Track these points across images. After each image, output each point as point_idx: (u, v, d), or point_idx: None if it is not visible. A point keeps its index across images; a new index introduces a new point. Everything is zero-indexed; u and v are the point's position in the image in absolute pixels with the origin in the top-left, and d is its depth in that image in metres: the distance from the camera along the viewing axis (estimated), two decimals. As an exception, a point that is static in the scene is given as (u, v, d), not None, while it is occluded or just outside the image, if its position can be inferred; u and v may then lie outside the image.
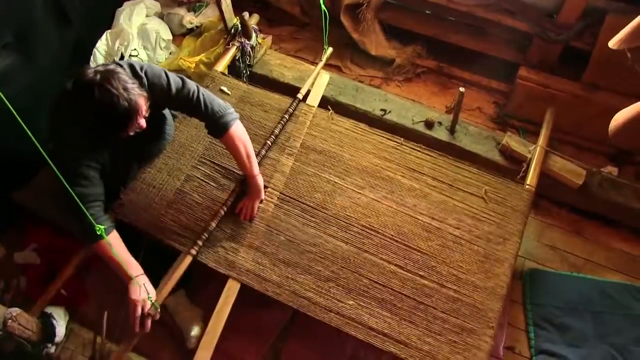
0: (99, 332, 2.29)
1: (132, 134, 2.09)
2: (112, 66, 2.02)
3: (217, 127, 2.29)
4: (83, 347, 2.31)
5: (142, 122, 2.08)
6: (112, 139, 2.17)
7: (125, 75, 1.99)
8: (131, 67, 2.13)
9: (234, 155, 2.38)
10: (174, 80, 2.25)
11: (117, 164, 2.32)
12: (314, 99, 2.85)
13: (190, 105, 2.28)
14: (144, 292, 2.17)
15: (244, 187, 2.49)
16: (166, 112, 2.60)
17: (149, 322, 2.19)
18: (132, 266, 2.20)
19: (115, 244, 2.18)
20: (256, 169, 2.42)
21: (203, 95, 2.28)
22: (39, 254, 2.92)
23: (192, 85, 2.28)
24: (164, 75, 2.23)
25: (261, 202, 2.50)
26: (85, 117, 2.03)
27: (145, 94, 2.04)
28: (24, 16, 2.73)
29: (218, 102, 2.31)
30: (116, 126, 2.02)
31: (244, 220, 2.44)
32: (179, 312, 2.64)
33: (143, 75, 2.15)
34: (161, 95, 2.22)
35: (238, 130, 2.33)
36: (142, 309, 2.16)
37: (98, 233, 1.93)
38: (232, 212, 2.46)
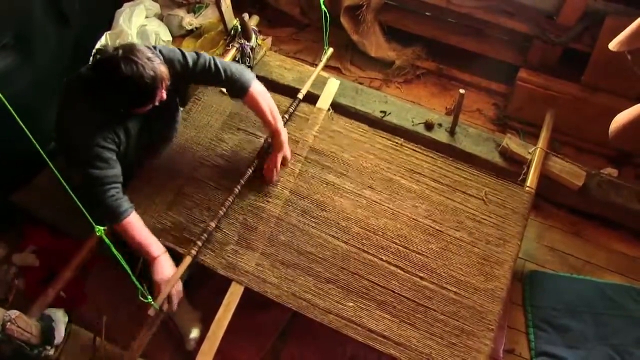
0: (98, 333, 2.28)
1: (156, 104, 2.16)
2: (129, 42, 2.10)
3: (238, 89, 2.39)
4: (82, 348, 2.30)
5: (164, 94, 2.15)
6: (129, 117, 2.25)
7: (144, 48, 2.06)
8: (146, 47, 2.17)
9: (258, 113, 2.46)
10: (189, 54, 2.34)
11: (129, 149, 2.35)
12: (324, 103, 2.84)
13: (210, 75, 2.36)
14: (167, 270, 2.23)
15: (243, 189, 2.50)
16: (174, 111, 2.64)
17: (175, 301, 2.25)
18: (155, 245, 2.24)
19: (138, 224, 2.23)
20: (280, 124, 2.50)
21: (219, 62, 2.37)
22: (38, 255, 2.91)
23: (206, 55, 2.37)
24: (177, 51, 2.33)
25: (284, 163, 2.58)
26: (107, 95, 2.09)
27: (164, 66, 2.11)
28: (23, 16, 2.73)
29: (235, 66, 2.41)
30: (143, 96, 2.09)
31: (244, 224, 2.43)
32: (179, 314, 2.63)
33: (158, 53, 2.19)
34: (181, 69, 2.30)
35: (257, 89, 2.42)
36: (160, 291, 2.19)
37: (122, 211, 2.11)
38: (232, 213, 2.45)
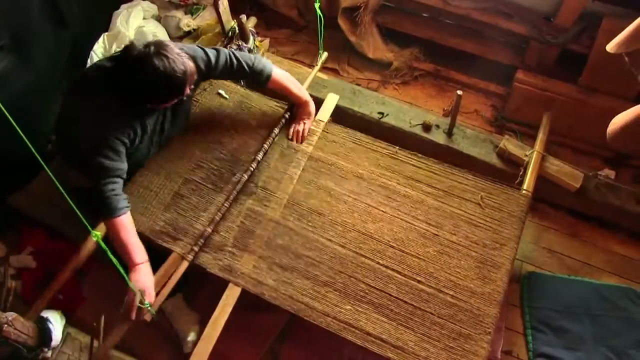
0: (95, 336, 2.27)
1: (184, 97, 2.26)
2: (158, 39, 2.22)
3: (263, 79, 2.55)
4: (80, 351, 2.30)
5: (189, 89, 2.23)
6: (149, 113, 2.32)
7: (173, 44, 2.15)
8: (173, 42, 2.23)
9: (286, 93, 2.66)
10: (209, 51, 2.43)
11: (143, 143, 2.39)
12: (323, 116, 2.84)
13: (232, 70, 2.49)
14: (147, 279, 2.20)
15: (240, 192, 2.50)
16: (185, 113, 2.67)
17: (144, 312, 2.19)
18: (140, 252, 2.23)
19: (130, 225, 2.23)
20: (307, 95, 2.71)
21: (239, 56, 2.49)
22: (35, 257, 2.91)
23: (224, 50, 2.49)
24: (198, 49, 2.41)
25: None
26: (135, 90, 2.14)
27: (193, 61, 2.20)
28: (20, 18, 2.73)
29: (251, 57, 2.54)
30: (174, 91, 2.16)
31: (241, 227, 2.43)
32: (177, 316, 2.64)
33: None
34: (205, 68, 2.40)
35: (278, 73, 2.58)
36: (140, 299, 2.17)
37: (119, 208, 2.14)
38: (229, 216, 2.45)
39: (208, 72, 2.45)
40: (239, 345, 2.62)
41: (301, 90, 2.68)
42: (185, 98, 2.39)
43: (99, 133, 2.17)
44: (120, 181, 2.23)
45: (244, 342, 2.63)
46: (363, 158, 2.65)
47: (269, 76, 2.54)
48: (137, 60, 2.06)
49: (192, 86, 2.26)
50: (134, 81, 2.10)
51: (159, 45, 2.08)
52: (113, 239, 2.21)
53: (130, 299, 2.13)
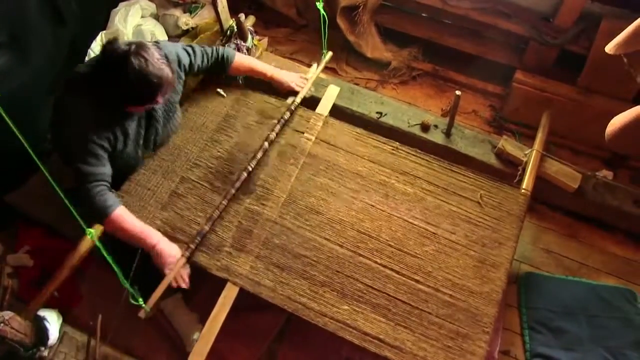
0: (92, 334, 2.27)
1: (158, 103, 2.27)
2: (141, 40, 2.17)
3: (227, 64, 2.71)
4: (77, 350, 2.29)
5: (161, 99, 2.22)
6: (128, 117, 2.30)
7: (153, 49, 2.14)
8: (155, 46, 2.23)
9: (253, 72, 2.83)
10: (187, 48, 2.56)
11: (128, 148, 2.38)
12: (323, 109, 2.84)
13: (208, 64, 2.64)
14: (173, 250, 2.27)
15: (238, 191, 2.49)
16: (178, 112, 2.67)
17: (186, 278, 2.29)
18: (151, 233, 2.27)
19: (127, 216, 2.24)
20: (271, 69, 2.84)
21: (206, 49, 2.64)
22: (32, 256, 2.90)
23: (195, 46, 2.62)
24: (179, 46, 2.54)
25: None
26: (109, 88, 2.13)
27: (171, 70, 2.19)
28: (18, 16, 2.72)
29: (213, 47, 2.69)
30: (145, 94, 2.15)
31: (239, 227, 2.42)
32: (177, 316, 2.63)
33: (164, 54, 2.26)
34: (187, 64, 2.53)
35: (239, 57, 2.76)
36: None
37: (109, 206, 2.15)
38: (226, 215, 2.44)
39: (190, 69, 2.56)
40: (236, 346, 2.61)
41: (264, 67, 2.83)
42: (174, 101, 2.48)
43: (77, 139, 2.17)
44: (104, 184, 2.22)
45: (241, 343, 2.63)
46: (362, 154, 2.65)
47: (232, 59, 2.70)
48: (115, 56, 2.05)
49: (168, 93, 2.26)
50: (109, 77, 2.10)
51: (140, 46, 2.08)
52: (119, 236, 2.23)
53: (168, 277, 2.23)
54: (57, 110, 2.28)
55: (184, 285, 2.27)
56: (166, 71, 2.12)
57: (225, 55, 2.69)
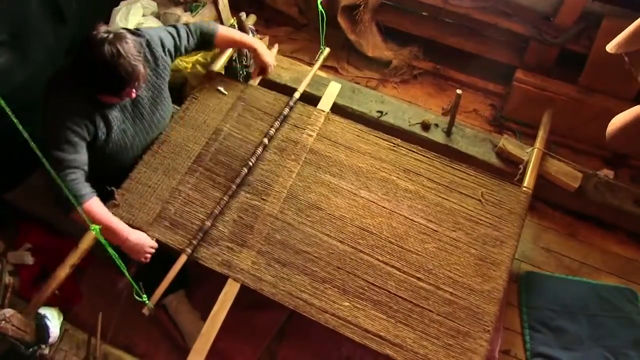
0: (93, 332, 2.27)
1: (129, 97, 2.24)
2: (123, 32, 2.13)
3: (211, 39, 2.67)
4: (77, 348, 2.29)
5: (133, 94, 2.22)
6: (108, 107, 2.28)
7: (132, 44, 2.10)
8: (135, 42, 2.19)
9: (235, 44, 2.86)
10: (170, 30, 2.54)
11: (112, 138, 2.35)
12: (324, 105, 2.84)
13: (194, 41, 2.62)
14: (142, 237, 2.28)
15: (239, 187, 2.50)
16: (169, 100, 2.65)
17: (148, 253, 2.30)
18: (121, 225, 2.24)
19: (99, 209, 2.22)
20: (255, 41, 2.83)
21: (190, 26, 2.61)
22: (33, 253, 2.90)
23: (181, 26, 2.59)
24: (163, 31, 2.51)
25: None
26: (81, 72, 2.12)
27: (144, 69, 2.16)
28: (19, 14, 2.72)
29: (195, 23, 2.66)
30: (112, 85, 2.11)
31: (240, 222, 2.42)
32: (181, 313, 2.64)
33: (144, 50, 2.27)
34: (173, 47, 2.52)
35: (223, 29, 2.72)
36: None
37: (82, 195, 2.12)
38: (228, 211, 2.45)
39: (176, 51, 2.55)
40: (237, 344, 2.62)
41: (248, 38, 2.83)
42: (161, 87, 2.48)
43: (54, 126, 2.16)
44: (79, 172, 2.19)
45: (242, 341, 2.63)
46: (363, 150, 2.64)
47: (215, 33, 2.66)
48: (91, 41, 2.04)
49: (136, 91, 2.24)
50: (81, 61, 2.09)
51: (117, 36, 2.06)
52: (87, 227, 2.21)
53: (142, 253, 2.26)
54: (43, 100, 2.27)
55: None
56: (138, 68, 2.09)
57: (208, 30, 2.66)
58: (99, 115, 2.26)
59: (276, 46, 3.16)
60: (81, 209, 2.14)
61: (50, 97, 2.22)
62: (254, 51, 2.83)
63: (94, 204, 2.20)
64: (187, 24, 2.62)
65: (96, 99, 2.22)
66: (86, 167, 2.24)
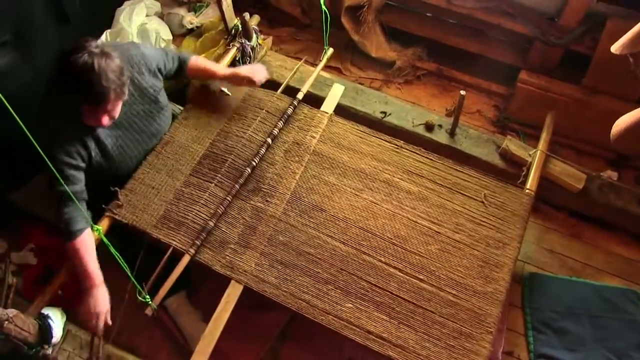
0: (96, 333, 2.27)
1: (104, 122, 2.12)
2: (110, 49, 2.04)
3: (184, 66, 2.59)
4: (80, 348, 2.29)
5: (105, 120, 2.11)
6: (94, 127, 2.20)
7: (114, 65, 2.00)
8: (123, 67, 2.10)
9: (207, 74, 2.69)
10: (171, 57, 2.54)
11: (108, 155, 2.33)
12: (328, 107, 2.84)
13: (175, 68, 2.57)
14: (104, 302, 2.21)
15: (242, 188, 2.50)
16: (167, 109, 2.62)
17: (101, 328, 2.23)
18: (95, 275, 2.21)
19: (82, 249, 2.19)
20: (224, 69, 2.73)
21: (173, 54, 2.57)
22: (36, 254, 2.91)
23: (167, 50, 2.59)
24: (152, 53, 2.44)
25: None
26: (61, 80, 2.04)
27: (118, 93, 2.04)
28: (22, 14, 2.72)
29: (173, 52, 2.60)
30: (83, 95, 2.01)
31: (243, 224, 2.42)
32: (182, 315, 2.63)
33: (128, 76, 2.16)
34: (164, 69, 2.48)
35: (192, 59, 2.63)
36: (98, 321, 2.19)
37: (74, 231, 2.11)
38: (231, 212, 2.45)
39: (166, 71, 2.51)
40: (239, 345, 2.61)
41: (217, 67, 2.71)
42: (155, 100, 2.43)
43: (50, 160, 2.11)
44: (74, 204, 2.14)
45: (244, 342, 2.63)
46: (366, 152, 2.64)
47: (188, 60, 2.60)
48: (77, 47, 1.96)
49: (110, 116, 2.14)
50: (61, 65, 1.99)
51: (102, 53, 1.97)
52: (70, 258, 2.22)
53: (88, 324, 2.22)
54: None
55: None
56: (108, 89, 1.97)
57: (183, 58, 2.60)
58: (91, 138, 2.22)
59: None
60: (68, 245, 2.18)
61: (40, 129, 2.08)
62: (232, 75, 2.69)
63: (79, 244, 2.18)
64: (171, 50, 2.62)
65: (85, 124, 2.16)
66: (84, 194, 2.23)
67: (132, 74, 2.27)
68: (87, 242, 2.21)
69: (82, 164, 2.22)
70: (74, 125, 2.15)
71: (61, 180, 1.92)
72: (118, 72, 2.01)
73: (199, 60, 2.65)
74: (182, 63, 2.59)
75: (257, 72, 2.72)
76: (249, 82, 2.69)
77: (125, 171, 2.50)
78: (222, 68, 2.73)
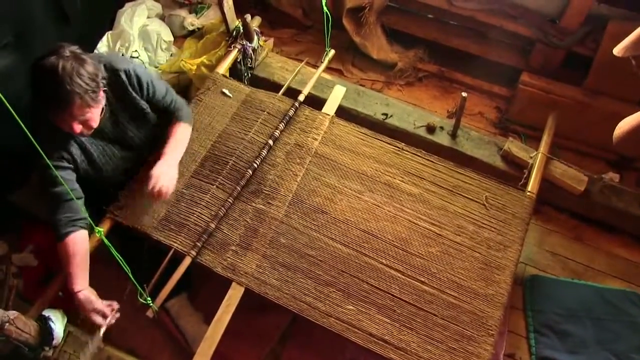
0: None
1: (77, 131, 2.04)
2: (85, 56, 2.00)
3: (169, 117, 2.49)
4: (81, 350, 2.29)
5: (77, 128, 2.02)
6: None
7: (86, 73, 1.95)
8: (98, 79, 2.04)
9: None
10: (169, 95, 2.46)
11: (94, 163, 2.30)
12: (329, 109, 2.84)
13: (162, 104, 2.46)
14: (93, 299, 2.17)
15: (244, 190, 2.50)
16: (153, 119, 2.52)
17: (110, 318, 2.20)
18: (83, 277, 2.19)
19: (71, 251, 2.16)
20: (171, 158, 2.40)
21: (176, 98, 2.50)
22: (37, 255, 2.91)
23: (170, 90, 2.50)
24: (149, 78, 2.35)
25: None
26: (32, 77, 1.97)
27: (92, 102, 1.99)
28: (24, 16, 2.72)
29: (180, 102, 2.53)
30: (46, 101, 1.95)
31: (245, 226, 2.42)
32: (183, 317, 2.63)
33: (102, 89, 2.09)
34: (146, 92, 2.35)
35: (183, 125, 2.50)
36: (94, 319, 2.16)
37: (62, 233, 2.09)
38: (233, 214, 2.44)
39: (147, 94, 2.37)
40: (240, 347, 2.61)
41: (171, 149, 2.42)
42: (142, 107, 2.35)
43: (40, 166, 2.09)
44: (65, 204, 2.15)
45: (245, 344, 2.63)
46: (368, 154, 2.64)
47: (179, 119, 2.50)
48: (50, 51, 1.93)
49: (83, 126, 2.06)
50: (31, 68, 1.95)
51: (75, 57, 1.93)
52: (59, 257, 2.20)
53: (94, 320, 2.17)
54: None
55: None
56: (72, 96, 1.90)
57: (178, 115, 2.50)
58: (74, 143, 2.20)
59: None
60: (59, 245, 2.16)
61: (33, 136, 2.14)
62: (160, 156, 2.40)
63: (68, 246, 2.16)
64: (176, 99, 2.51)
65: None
66: (77, 193, 2.20)
67: (125, 86, 2.26)
68: (73, 245, 2.17)
69: (68, 165, 2.19)
70: (55, 132, 2.09)
71: (48, 181, 1.92)
72: (87, 77, 1.94)
73: (179, 132, 2.48)
74: (173, 116, 2.50)
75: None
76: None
77: (119, 179, 2.49)
78: (168, 156, 2.40)
